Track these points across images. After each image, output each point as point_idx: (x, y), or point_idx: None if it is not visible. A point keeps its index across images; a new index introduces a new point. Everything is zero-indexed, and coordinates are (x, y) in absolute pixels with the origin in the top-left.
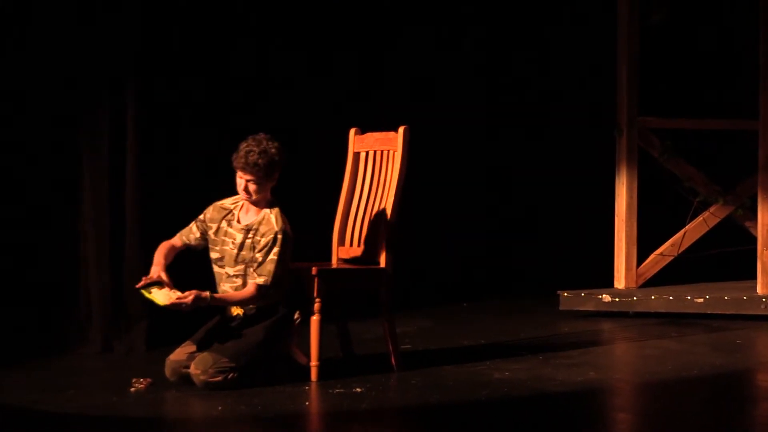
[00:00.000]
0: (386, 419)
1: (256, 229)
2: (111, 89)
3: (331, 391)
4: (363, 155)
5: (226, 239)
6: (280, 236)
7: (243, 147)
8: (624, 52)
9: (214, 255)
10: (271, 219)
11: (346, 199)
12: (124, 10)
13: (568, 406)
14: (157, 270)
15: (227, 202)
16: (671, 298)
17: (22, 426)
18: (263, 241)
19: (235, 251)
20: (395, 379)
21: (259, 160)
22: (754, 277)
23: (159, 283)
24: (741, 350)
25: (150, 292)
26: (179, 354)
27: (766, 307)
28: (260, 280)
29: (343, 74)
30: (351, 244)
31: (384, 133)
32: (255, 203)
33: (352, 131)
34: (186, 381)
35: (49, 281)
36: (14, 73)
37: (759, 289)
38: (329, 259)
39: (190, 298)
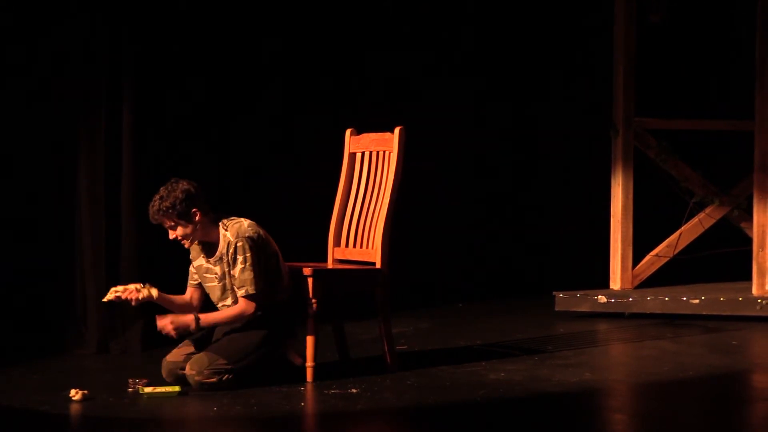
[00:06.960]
0: (382, 420)
1: (223, 254)
2: (109, 92)
3: (326, 391)
4: (359, 156)
5: (208, 276)
6: (240, 244)
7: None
8: (620, 51)
9: (208, 293)
10: (227, 236)
11: (342, 199)
12: (124, 12)
13: (564, 406)
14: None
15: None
16: (667, 299)
17: (20, 427)
18: (231, 258)
19: (219, 284)
20: (391, 380)
21: (163, 204)
22: (750, 278)
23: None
24: (737, 351)
25: (147, 390)
26: (176, 355)
27: (761, 308)
28: (241, 292)
29: (341, 74)
30: (347, 245)
31: (380, 134)
32: (204, 236)
33: (348, 132)
34: (183, 382)
35: (45, 282)
36: (13, 73)
37: (754, 290)
38: (325, 259)
39: (168, 324)
